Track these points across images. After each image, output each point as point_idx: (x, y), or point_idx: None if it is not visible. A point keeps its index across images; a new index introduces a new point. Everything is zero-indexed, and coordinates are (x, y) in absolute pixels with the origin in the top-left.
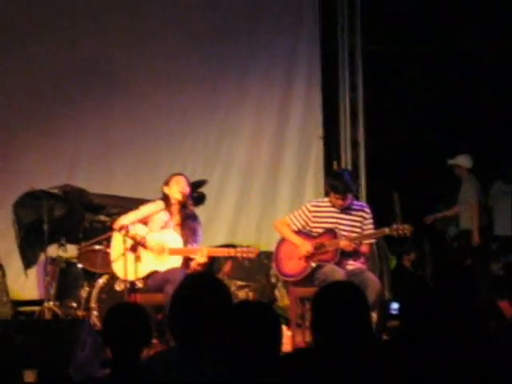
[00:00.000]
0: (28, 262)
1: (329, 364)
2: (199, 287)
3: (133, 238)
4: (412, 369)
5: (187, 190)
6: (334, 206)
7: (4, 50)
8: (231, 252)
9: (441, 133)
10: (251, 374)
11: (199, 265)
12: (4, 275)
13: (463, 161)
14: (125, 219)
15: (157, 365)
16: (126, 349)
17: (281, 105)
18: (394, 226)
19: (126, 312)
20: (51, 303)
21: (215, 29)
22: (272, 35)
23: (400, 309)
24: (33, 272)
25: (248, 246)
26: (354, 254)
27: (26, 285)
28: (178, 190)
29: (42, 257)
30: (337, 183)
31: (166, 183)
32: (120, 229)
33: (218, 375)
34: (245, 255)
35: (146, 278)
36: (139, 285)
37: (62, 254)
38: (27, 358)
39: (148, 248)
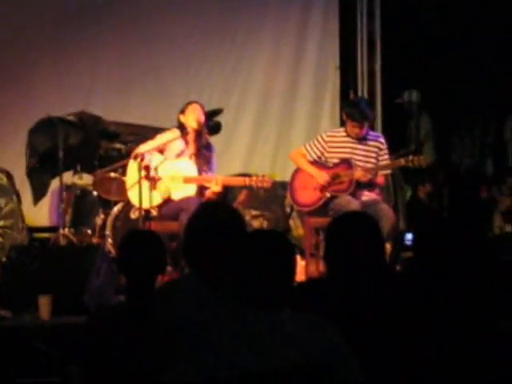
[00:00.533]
0: (39, 192)
1: (342, 294)
2: (213, 215)
3: (147, 167)
4: (424, 300)
5: (202, 118)
6: (349, 136)
7: None
8: (246, 181)
9: (457, 61)
10: (264, 303)
11: (214, 194)
12: (20, 202)
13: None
14: (141, 148)
15: (171, 291)
16: (141, 276)
17: (298, 34)
18: (410, 157)
19: (141, 239)
20: (66, 230)
21: None
22: None
23: (414, 239)
24: (48, 199)
25: (263, 175)
26: (369, 185)
27: (42, 212)
28: (193, 118)
29: (57, 184)
30: (353, 111)
31: (182, 111)
32: (135, 157)
33: (231, 303)
34: (259, 184)
35: (160, 206)
36: (154, 213)
37: (77, 181)
38: (42, 284)
39: (162, 177)
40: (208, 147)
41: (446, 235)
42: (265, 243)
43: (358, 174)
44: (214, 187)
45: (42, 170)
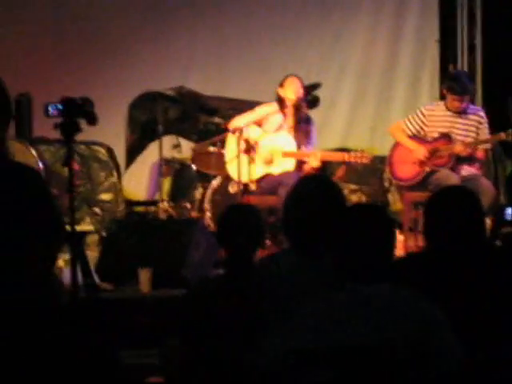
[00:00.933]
0: (130, 160)
1: (442, 269)
2: (313, 189)
3: (246, 141)
4: None
5: (301, 92)
6: (449, 110)
7: None
8: (345, 157)
9: None
10: (364, 277)
11: (312, 168)
12: (119, 175)
13: None
14: (239, 120)
15: (270, 265)
16: (240, 249)
17: (397, 6)
18: (510, 131)
19: (241, 213)
20: (165, 204)
21: None
22: None
23: None
24: (147, 173)
25: (362, 151)
26: (469, 160)
27: (141, 185)
28: (292, 91)
29: (156, 157)
30: (454, 84)
31: (281, 85)
32: (234, 131)
33: (331, 276)
34: (358, 160)
35: (259, 181)
36: (253, 187)
37: (176, 155)
38: (142, 258)
39: (261, 151)
40: (307, 121)
41: None
42: (364, 217)
43: (458, 148)
44: (313, 162)
45: (141, 143)
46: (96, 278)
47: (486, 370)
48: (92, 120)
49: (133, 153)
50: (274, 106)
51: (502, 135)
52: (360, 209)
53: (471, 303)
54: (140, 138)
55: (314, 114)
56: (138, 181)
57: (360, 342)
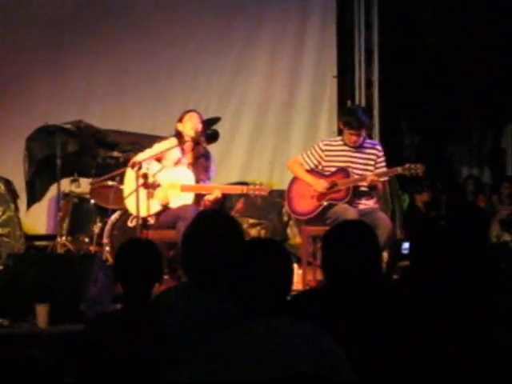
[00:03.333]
0: (33, 198)
1: (339, 303)
2: (211, 224)
3: (144, 176)
4: (421, 308)
5: (200, 126)
6: (346, 145)
7: None
8: (243, 189)
9: (455, 72)
10: (262, 311)
11: (211, 202)
12: (17, 209)
13: None
14: (139, 156)
15: (168, 300)
16: (138, 284)
17: (296, 42)
18: (407, 165)
19: (138, 248)
20: (64, 238)
21: None
22: None
23: (410, 248)
24: (45, 207)
25: (260, 184)
26: (367, 194)
27: (39, 220)
28: (190, 126)
29: (55, 192)
30: (350, 119)
31: (180, 120)
32: (133, 165)
33: (228, 311)
34: (257, 193)
35: (158, 215)
36: (151, 221)
37: (74, 189)
38: (39, 293)
39: (159, 185)
40: (206, 155)
41: (444, 244)
42: (262, 252)
43: (371, 178)
44: (211, 196)
45: (39, 177)
46: None
47: None
48: None
49: (33, 188)
50: (172, 141)
51: (399, 169)
52: (257, 244)
53: (369, 336)
54: (39, 172)
55: (213, 147)
56: (37, 215)
57: (261, 377)
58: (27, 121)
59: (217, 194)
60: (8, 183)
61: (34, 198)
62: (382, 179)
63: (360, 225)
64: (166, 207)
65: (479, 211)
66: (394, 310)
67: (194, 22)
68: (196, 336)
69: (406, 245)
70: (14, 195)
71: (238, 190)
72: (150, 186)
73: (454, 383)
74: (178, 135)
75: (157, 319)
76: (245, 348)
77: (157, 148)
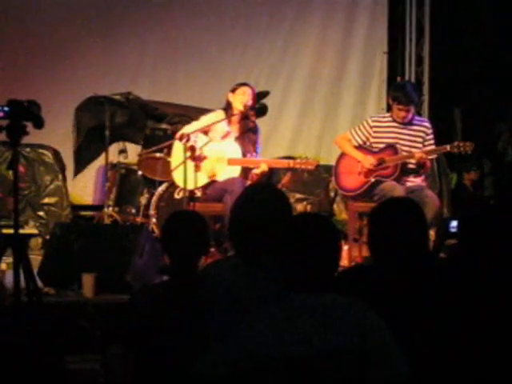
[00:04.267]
0: (80, 167)
1: (386, 280)
2: (260, 197)
3: (192, 148)
4: (469, 287)
5: (250, 102)
6: (395, 121)
7: None
8: (290, 163)
9: (507, 52)
10: (309, 286)
11: (258, 175)
12: (65, 179)
13: None
14: (186, 129)
15: (214, 273)
16: (185, 256)
17: (346, 18)
18: (455, 143)
19: (186, 219)
20: (110, 209)
21: None
22: None
23: (458, 226)
24: (92, 177)
25: (307, 158)
26: (414, 171)
27: (86, 190)
28: (241, 100)
29: (102, 162)
30: (399, 94)
31: (232, 91)
32: (181, 138)
33: (277, 285)
34: (304, 167)
35: (204, 188)
36: (198, 194)
37: (122, 160)
38: (86, 262)
39: (206, 158)
40: (254, 130)
41: (492, 222)
42: (310, 227)
43: (419, 155)
44: (258, 170)
45: (87, 146)
46: (39, 282)
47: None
48: (39, 123)
49: (80, 157)
50: (219, 114)
51: (447, 147)
52: (306, 219)
53: (415, 315)
54: (87, 142)
55: (261, 121)
56: (84, 185)
57: (304, 352)
58: (77, 91)
59: (264, 167)
60: (56, 153)
61: (80, 166)
62: (430, 157)
63: (407, 202)
64: (212, 180)
65: None
66: (442, 289)
67: None
68: (241, 310)
69: (453, 223)
70: (62, 165)
71: (284, 163)
72: (196, 159)
73: (498, 365)
74: (228, 106)
75: (203, 292)
76: (291, 321)
77: (204, 120)
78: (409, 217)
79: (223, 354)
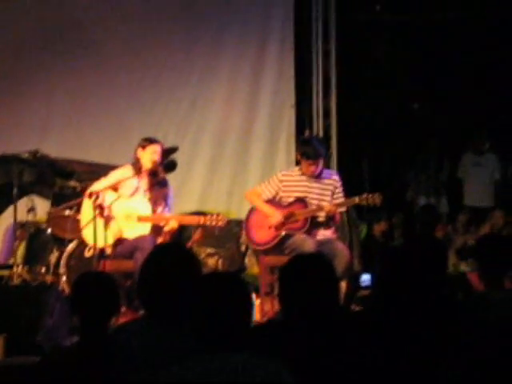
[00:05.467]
0: None
1: (297, 335)
2: (168, 257)
3: (100, 206)
4: (385, 338)
5: (159, 159)
6: (304, 175)
7: None
8: (201, 220)
9: (413, 101)
10: (221, 345)
11: (168, 233)
12: None
13: None
14: (96, 186)
15: (125, 333)
16: (95, 317)
17: (254, 71)
18: (364, 195)
19: (95, 280)
20: (20, 268)
21: None
22: (246, 1)
23: (373, 279)
24: (0, 236)
25: (218, 214)
26: (325, 224)
27: None
28: (150, 158)
29: (11, 221)
30: (307, 149)
31: (143, 147)
32: (90, 195)
33: (188, 344)
34: (214, 223)
35: (115, 245)
36: (108, 251)
37: (31, 218)
38: None
39: (116, 216)
40: (164, 184)
41: (405, 275)
42: (220, 286)
43: (328, 208)
44: (170, 224)
45: None
46: None
47: None
48: None
49: None
50: (128, 169)
51: (356, 199)
52: (215, 277)
53: (329, 369)
54: None
55: (171, 177)
56: None
57: None
58: None
59: (173, 224)
60: None
61: None
62: (339, 209)
63: (317, 258)
64: (121, 238)
65: (436, 243)
66: (356, 340)
67: (151, 52)
68: (155, 369)
69: (364, 276)
70: None
71: (195, 220)
72: (106, 217)
73: None
74: (136, 161)
75: (114, 353)
76: (201, 382)
77: (112, 176)
78: (319, 272)
79: None
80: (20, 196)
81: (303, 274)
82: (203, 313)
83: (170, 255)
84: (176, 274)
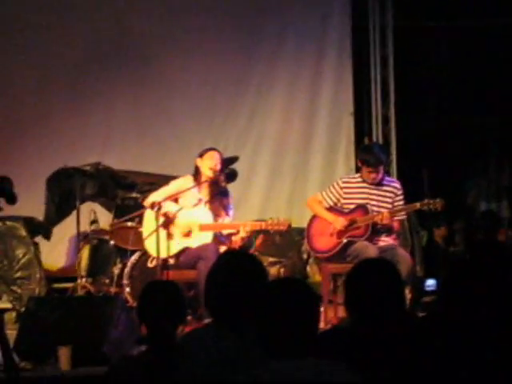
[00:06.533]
0: (48, 237)
1: (365, 341)
2: (235, 264)
3: (165, 215)
4: (450, 344)
5: (219, 167)
6: (365, 182)
7: (38, 29)
8: (262, 225)
9: (471, 110)
10: (288, 352)
11: (237, 242)
12: (38, 250)
13: None
14: (154, 196)
15: (193, 341)
16: (162, 326)
17: (312, 80)
18: (425, 201)
19: (162, 289)
20: (84, 280)
21: (246, 2)
22: (304, 10)
23: (438, 284)
24: (65, 248)
25: (278, 218)
26: (386, 230)
27: (60, 260)
28: (209, 165)
29: (74, 232)
30: (368, 157)
31: (200, 155)
32: (152, 206)
33: (255, 352)
34: (275, 227)
35: (177, 255)
36: (171, 261)
37: (94, 229)
38: (61, 335)
39: (178, 226)
40: (224, 193)
41: (473, 280)
42: (286, 292)
43: (384, 216)
44: (243, 233)
45: (58, 217)
46: (15, 357)
47: None
48: (11, 199)
49: (51, 223)
50: (188, 180)
51: (417, 205)
52: (282, 284)
53: (396, 374)
54: (58, 209)
55: (231, 187)
56: (59, 254)
57: None
58: (48, 163)
59: (241, 234)
60: (27, 222)
61: (48, 237)
62: (399, 216)
63: (381, 262)
64: (185, 248)
65: (501, 247)
66: (422, 347)
67: (210, 62)
68: (221, 379)
69: (428, 282)
70: (35, 232)
71: (257, 225)
72: (169, 226)
73: None
74: (196, 171)
75: (182, 361)
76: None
77: (172, 186)
78: (385, 277)
79: None
80: (82, 208)
81: (370, 280)
82: (271, 318)
83: (235, 261)
84: (245, 281)
